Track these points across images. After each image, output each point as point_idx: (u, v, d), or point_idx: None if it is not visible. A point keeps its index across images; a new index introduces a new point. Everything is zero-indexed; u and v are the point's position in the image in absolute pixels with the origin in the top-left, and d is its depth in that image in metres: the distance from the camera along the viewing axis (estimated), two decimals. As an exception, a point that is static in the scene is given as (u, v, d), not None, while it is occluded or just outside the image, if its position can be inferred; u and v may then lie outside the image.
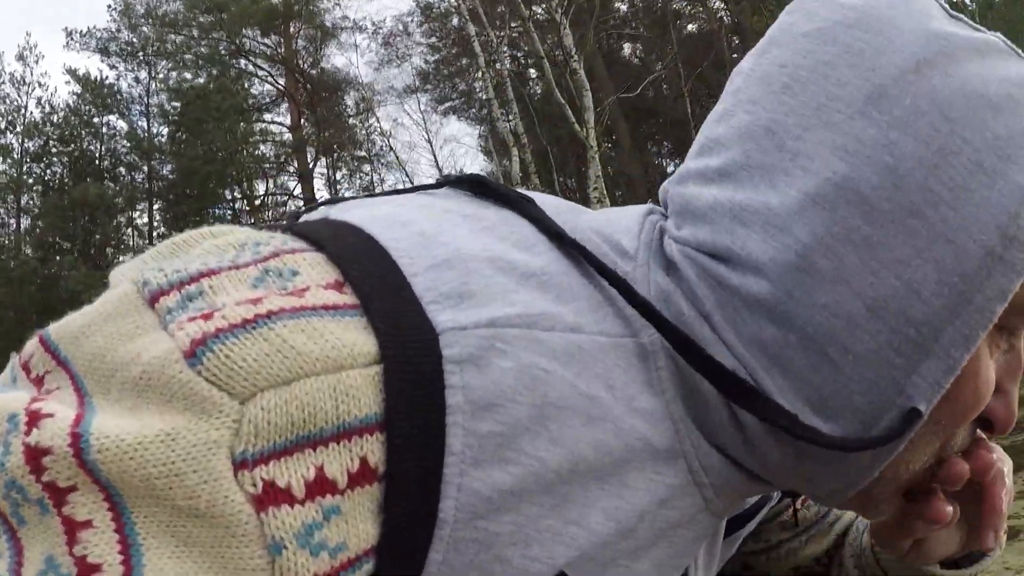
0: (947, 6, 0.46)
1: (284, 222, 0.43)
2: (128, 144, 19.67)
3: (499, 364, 0.36)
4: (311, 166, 21.48)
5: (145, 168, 19.15)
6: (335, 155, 22.96)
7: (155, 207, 19.89)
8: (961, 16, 0.46)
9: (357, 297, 0.36)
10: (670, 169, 25.94)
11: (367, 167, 25.51)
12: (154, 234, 19.42)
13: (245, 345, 0.32)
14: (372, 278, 0.36)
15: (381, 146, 24.01)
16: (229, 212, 20.52)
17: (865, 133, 0.41)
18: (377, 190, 26.60)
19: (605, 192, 14.16)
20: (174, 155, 17.54)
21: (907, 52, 0.43)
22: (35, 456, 0.30)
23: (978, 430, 0.49)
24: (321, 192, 22.45)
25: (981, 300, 0.41)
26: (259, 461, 0.31)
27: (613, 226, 0.48)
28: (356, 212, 0.42)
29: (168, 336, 0.33)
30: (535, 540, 0.38)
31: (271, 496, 0.31)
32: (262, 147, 20.78)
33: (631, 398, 0.41)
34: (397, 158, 20.83)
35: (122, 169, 20.12)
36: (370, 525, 0.34)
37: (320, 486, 0.32)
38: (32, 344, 0.36)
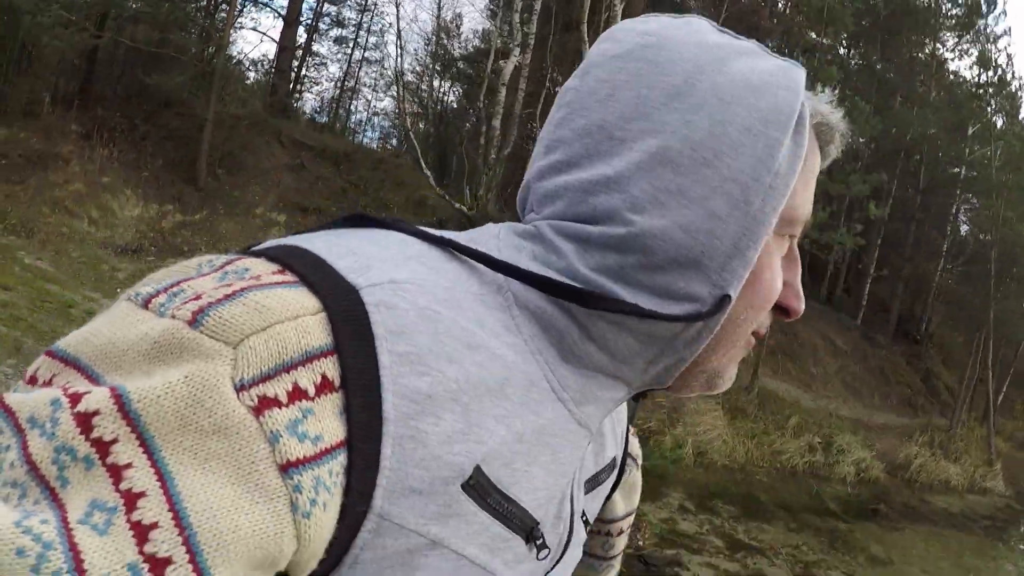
0: (715, 24, 0.65)
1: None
2: None
3: (402, 306, 0.50)
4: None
5: None
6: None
7: None
8: (726, 30, 0.65)
9: (297, 276, 0.48)
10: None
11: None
12: None
13: (231, 310, 0.44)
14: (305, 264, 0.50)
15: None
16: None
17: (670, 118, 0.58)
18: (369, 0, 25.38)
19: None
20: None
21: (692, 61, 0.60)
22: (86, 419, 0.40)
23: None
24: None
25: (760, 215, 0.58)
26: (252, 384, 0.43)
27: (471, 234, 0.64)
28: (274, 240, 0.55)
29: (168, 319, 0.44)
30: (455, 440, 0.51)
31: (264, 404, 0.43)
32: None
33: (498, 334, 0.55)
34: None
35: None
36: (337, 423, 0.46)
37: (297, 395, 0.44)
38: (38, 360, 0.45)
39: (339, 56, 27.00)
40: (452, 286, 0.54)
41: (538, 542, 0.60)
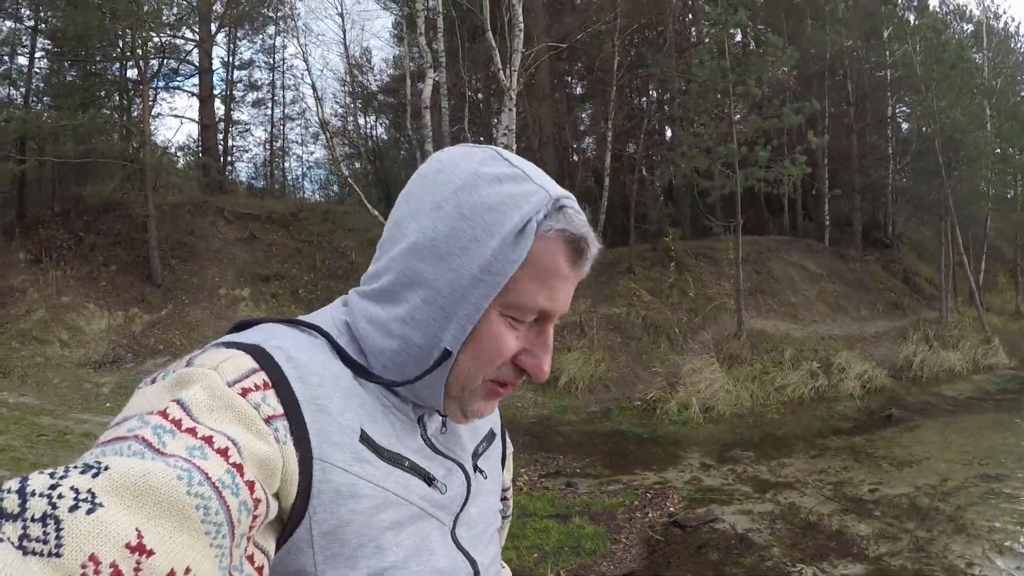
0: (501, 152, 0.89)
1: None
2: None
3: (287, 347, 0.83)
4: (215, 31, 20.01)
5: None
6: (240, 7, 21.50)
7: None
8: (512, 158, 0.89)
9: (229, 346, 0.82)
10: (583, 115, 26.02)
11: (271, 28, 24.42)
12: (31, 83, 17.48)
13: (204, 356, 0.79)
14: (229, 343, 0.82)
15: (290, 6, 22.89)
16: (117, 67, 18.66)
17: (426, 221, 0.86)
18: (278, 57, 25.59)
19: (513, 142, 14.01)
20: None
21: (455, 184, 0.86)
22: (164, 413, 0.70)
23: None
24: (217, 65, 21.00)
25: (472, 298, 0.84)
26: (233, 383, 0.75)
27: (324, 312, 0.96)
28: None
29: (173, 373, 0.76)
30: (344, 410, 0.83)
31: (244, 392, 0.75)
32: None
33: (344, 377, 0.86)
34: (304, 26, 19.74)
35: None
36: (277, 403, 0.78)
37: (255, 388, 0.77)
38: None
39: (261, 119, 27.00)
40: (310, 345, 0.86)
41: (437, 484, 0.91)
